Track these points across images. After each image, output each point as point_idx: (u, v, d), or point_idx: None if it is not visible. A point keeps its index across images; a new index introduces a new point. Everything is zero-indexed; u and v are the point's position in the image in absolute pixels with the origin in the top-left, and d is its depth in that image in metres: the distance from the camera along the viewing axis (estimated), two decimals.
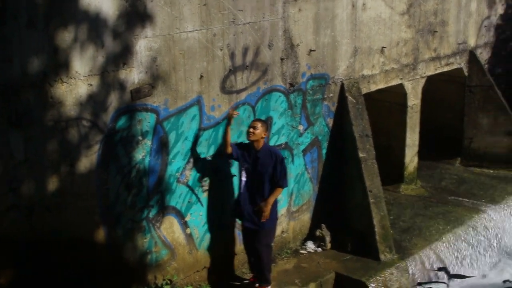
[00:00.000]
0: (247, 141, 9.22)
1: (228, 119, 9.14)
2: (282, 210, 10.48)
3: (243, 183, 9.16)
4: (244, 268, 10.07)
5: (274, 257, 10.50)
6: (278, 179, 9.08)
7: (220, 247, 9.73)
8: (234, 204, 9.45)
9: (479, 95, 14.43)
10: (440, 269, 3.47)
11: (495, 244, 11.82)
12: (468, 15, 14.02)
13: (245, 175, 9.14)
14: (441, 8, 13.05)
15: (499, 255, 11.68)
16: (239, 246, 9.88)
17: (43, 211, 7.71)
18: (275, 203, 9.27)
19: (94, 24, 7.54)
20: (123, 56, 7.87)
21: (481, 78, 14.33)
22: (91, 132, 7.78)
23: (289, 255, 10.69)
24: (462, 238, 11.54)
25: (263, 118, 9.77)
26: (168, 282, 8.91)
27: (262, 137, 9.04)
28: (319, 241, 10.96)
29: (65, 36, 7.34)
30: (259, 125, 9.01)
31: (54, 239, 7.80)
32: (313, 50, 10.36)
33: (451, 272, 3.16)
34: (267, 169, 9.06)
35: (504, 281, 3.31)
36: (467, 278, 10.71)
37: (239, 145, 9.25)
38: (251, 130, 8.97)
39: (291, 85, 10.13)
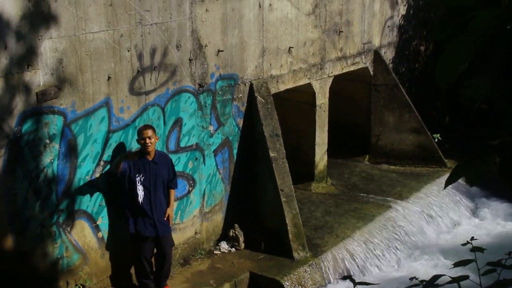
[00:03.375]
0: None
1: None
2: (194, 211, 10.46)
3: (140, 194, 8.99)
4: None
5: (188, 258, 10.47)
6: (173, 182, 9.37)
7: (130, 251, 9.59)
8: (131, 218, 9.14)
9: (384, 93, 14.75)
10: (345, 278, 3.49)
11: (404, 239, 12.07)
12: (372, 15, 14.32)
13: (141, 185, 9.00)
14: (345, 8, 13.29)
15: (408, 250, 11.92)
16: None
17: None
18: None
19: None
20: (27, 57, 7.68)
21: (386, 77, 14.66)
22: None
23: (203, 256, 10.66)
24: (373, 234, 11.75)
25: (173, 119, 9.73)
26: (81, 287, 8.75)
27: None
28: (232, 241, 10.97)
29: None
30: (150, 132, 8.93)
31: None
32: (222, 51, 10.38)
33: (356, 280, 3.19)
34: (163, 174, 9.15)
35: (411, 278, 3.36)
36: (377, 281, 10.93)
37: (128, 162, 9.04)
38: (148, 140, 8.87)
39: (200, 85, 10.12)
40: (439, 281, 2.83)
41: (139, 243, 9.22)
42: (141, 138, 8.90)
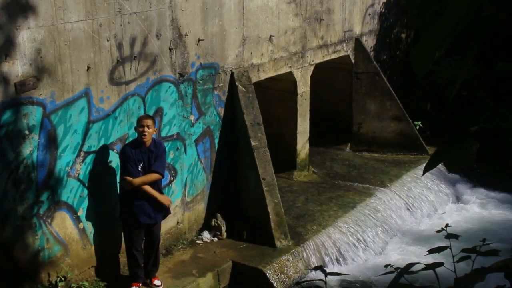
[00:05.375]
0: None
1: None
2: (176, 201, 10.44)
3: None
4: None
5: (170, 248, 10.46)
6: (155, 165, 9.08)
7: (113, 242, 9.60)
8: (123, 204, 9.19)
9: (366, 81, 14.76)
10: (316, 268, 3.51)
11: (386, 227, 12.11)
12: (353, 3, 14.30)
13: (140, 173, 8.98)
14: None
15: (390, 237, 11.97)
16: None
17: None
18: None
19: None
20: (5, 48, 7.61)
21: (367, 65, 14.67)
22: None
23: (185, 246, 10.65)
24: (355, 222, 11.78)
25: (153, 109, 9.69)
26: (62, 279, 8.71)
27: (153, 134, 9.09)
28: (215, 230, 10.96)
29: None
30: (150, 122, 8.93)
31: None
32: (202, 40, 10.34)
33: (327, 271, 3.22)
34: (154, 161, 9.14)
35: (386, 266, 3.37)
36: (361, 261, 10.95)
37: (128, 150, 9.02)
38: (145, 129, 8.86)
39: (181, 75, 10.08)
40: (414, 268, 2.82)
41: (133, 231, 9.20)
42: (140, 126, 8.91)
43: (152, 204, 9.12)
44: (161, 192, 9.36)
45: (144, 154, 8.98)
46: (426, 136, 15.33)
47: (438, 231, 3.57)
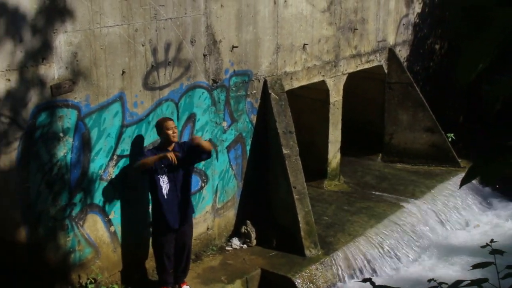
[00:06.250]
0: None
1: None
2: (207, 207, 10.46)
3: (164, 186, 8.98)
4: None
5: (200, 254, 10.47)
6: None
7: (143, 246, 9.63)
8: (155, 208, 9.15)
9: (398, 91, 14.69)
10: (365, 280, 3.46)
11: (417, 239, 12.02)
12: (387, 13, 14.26)
13: (166, 176, 8.99)
14: (361, 6, 13.24)
15: (420, 250, 11.88)
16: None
17: None
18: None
19: (13, 18, 7.35)
20: (42, 51, 7.70)
21: (400, 75, 14.60)
22: (10, 129, 7.58)
23: (214, 252, 10.65)
24: (385, 233, 11.71)
25: (186, 114, 9.74)
26: (93, 281, 8.76)
27: None
28: (244, 237, 10.96)
29: None
30: (174, 124, 9.04)
31: None
32: (236, 47, 10.36)
33: (376, 283, 3.18)
34: (183, 160, 9.04)
35: (429, 280, 3.32)
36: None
37: (148, 152, 9.04)
38: (175, 130, 8.94)
39: (214, 81, 10.11)
40: (456, 283, 2.78)
41: (162, 236, 9.19)
42: (167, 129, 8.89)
43: (183, 208, 9.14)
44: (190, 197, 9.35)
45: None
46: (459, 148, 15.20)
47: (483, 247, 3.50)
